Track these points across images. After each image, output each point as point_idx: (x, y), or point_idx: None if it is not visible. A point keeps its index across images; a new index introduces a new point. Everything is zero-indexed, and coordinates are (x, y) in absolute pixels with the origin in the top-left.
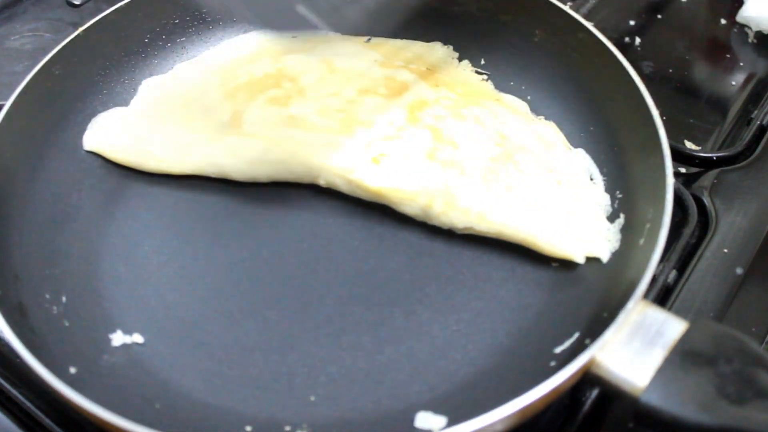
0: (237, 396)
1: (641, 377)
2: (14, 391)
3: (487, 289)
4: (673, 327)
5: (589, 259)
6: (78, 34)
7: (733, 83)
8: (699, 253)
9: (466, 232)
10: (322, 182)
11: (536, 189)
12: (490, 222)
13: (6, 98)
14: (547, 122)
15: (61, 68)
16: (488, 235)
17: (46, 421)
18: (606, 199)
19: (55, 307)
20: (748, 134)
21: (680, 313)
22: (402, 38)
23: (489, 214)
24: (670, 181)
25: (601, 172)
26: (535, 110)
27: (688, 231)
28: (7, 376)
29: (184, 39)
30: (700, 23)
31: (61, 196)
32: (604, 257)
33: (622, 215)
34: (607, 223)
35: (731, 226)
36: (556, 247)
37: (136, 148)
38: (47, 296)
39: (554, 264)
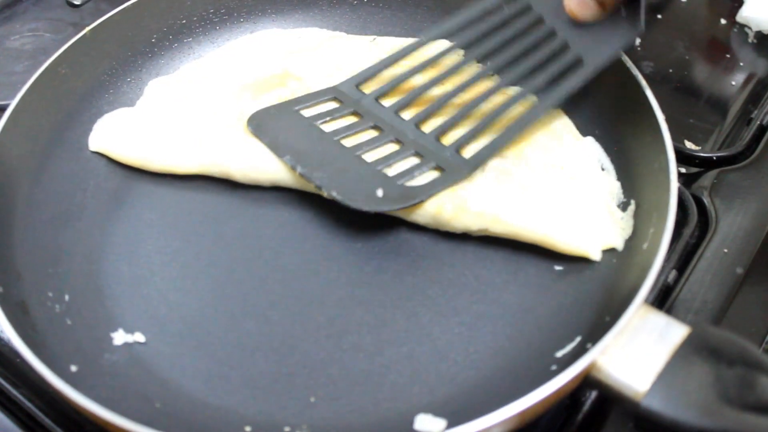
0: (237, 396)
1: (642, 382)
2: (14, 391)
3: (489, 291)
4: (674, 331)
5: (592, 261)
6: (85, 34)
7: (733, 83)
8: (699, 253)
9: (480, 234)
10: (325, 193)
11: (549, 187)
12: (505, 223)
13: (6, 98)
14: (555, 111)
15: (68, 68)
16: (503, 236)
17: (46, 421)
18: (617, 186)
19: (57, 306)
20: (748, 134)
21: (680, 312)
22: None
23: (503, 215)
24: (674, 186)
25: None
26: None
27: (688, 231)
28: (7, 376)
29: (191, 39)
30: (700, 23)
31: (65, 195)
32: (619, 246)
33: (633, 201)
34: (619, 212)
35: (731, 226)
36: (572, 246)
37: (141, 149)
38: (50, 294)
39: (557, 267)
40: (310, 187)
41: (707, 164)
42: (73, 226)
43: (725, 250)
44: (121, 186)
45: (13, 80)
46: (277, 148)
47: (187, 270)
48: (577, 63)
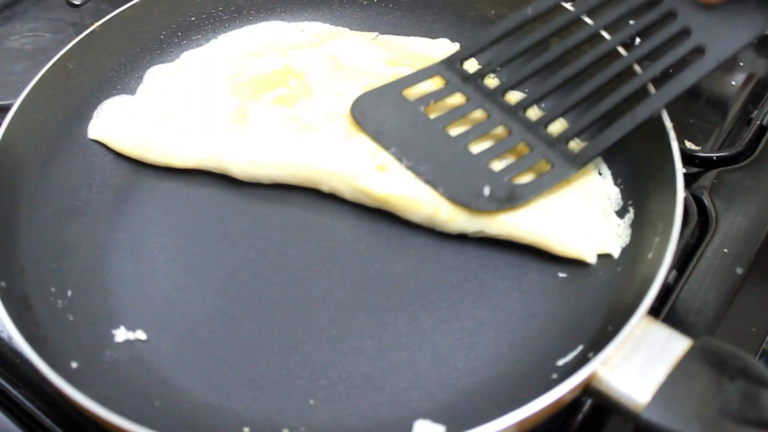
0: (236, 396)
1: (643, 394)
2: (14, 391)
3: (492, 298)
4: (676, 343)
5: (596, 269)
6: (93, 30)
7: (733, 83)
8: (699, 253)
9: (477, 235)
10: (324, 188)
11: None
12: (501, 224)
13: (6, 98)
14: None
15: (76, 63)
16: (500, 237)
17: (46, 421)
18: (615, 192)
19: (60, 301)
20: (748, 134)
21: (680, 312)
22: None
23: (499, 216)
24: (681, 197)
25: (615, 183)
26: None
27: (688, 231)
28: (7, 376)
29: (199, 36)
30: None
31: (70, 190)
32: (615, 253)
33: (631, 209)
34: (617, 218)
35: (731, 226)
36: (567, 247)
37: (140, 140)
38: (53, 290)
39: (561, 274)
40: (309, 185)
41: (707, 164)
42: (78, 222)
43: (725, 250)
44: (126, 182)
45: (13, 80)
46: (381, 138)
47: (191, 268)
48: (697, 51)
